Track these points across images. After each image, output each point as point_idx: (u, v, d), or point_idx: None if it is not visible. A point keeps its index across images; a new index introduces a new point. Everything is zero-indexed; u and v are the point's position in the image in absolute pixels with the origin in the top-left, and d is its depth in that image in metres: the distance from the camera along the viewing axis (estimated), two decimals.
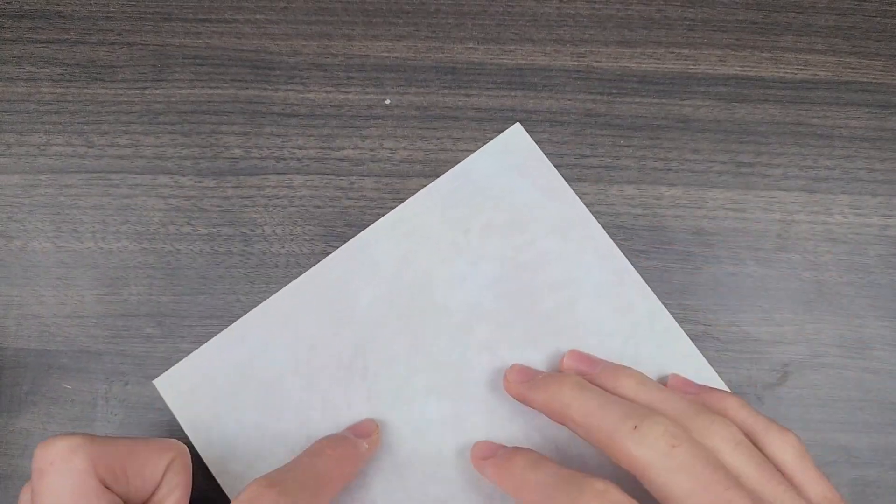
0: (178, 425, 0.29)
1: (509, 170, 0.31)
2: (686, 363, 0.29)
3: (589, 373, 0.28)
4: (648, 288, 0.30)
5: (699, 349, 0.30)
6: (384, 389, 0.29)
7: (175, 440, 0.26)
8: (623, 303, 0.30)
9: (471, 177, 0.31)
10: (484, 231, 0.31)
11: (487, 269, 0.30)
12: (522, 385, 0.28)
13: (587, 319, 0.30)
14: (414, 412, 0.29)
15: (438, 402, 0.29)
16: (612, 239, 0.31)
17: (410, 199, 0.31)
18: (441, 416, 0.29)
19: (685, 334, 0.30)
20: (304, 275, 0.30)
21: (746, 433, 0.25)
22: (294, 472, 0.24)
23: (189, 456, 0.27)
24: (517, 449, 0.27)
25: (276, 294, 0.30)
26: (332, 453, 0.26)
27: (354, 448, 0.27)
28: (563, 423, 0.26)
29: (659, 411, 0.24)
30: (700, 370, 0.29)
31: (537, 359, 0.29)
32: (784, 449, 0.25)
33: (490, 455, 0.27)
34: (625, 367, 0.27)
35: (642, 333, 0.30)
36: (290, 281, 0.30)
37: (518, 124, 0.31)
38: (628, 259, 0.30)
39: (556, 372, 0.28)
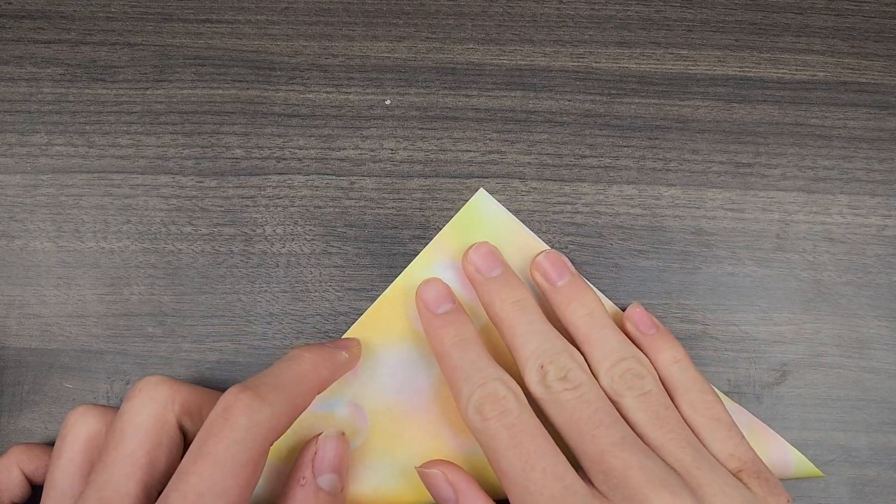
0: None
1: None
2: None
3: (551, 284, 0.28)
4: None
5: (698, 349, 0.30)
6: None
7: None
8: None
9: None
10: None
11: None
12: (477, 276, 0.28)
13: None
14: None
15: None
16: (612, 239, 0.31)
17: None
18: None
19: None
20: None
21: (670, 389, 0.26)
22: (269, 376, 0.24)
23: None
24: (455, 317, 0.27)
25: None
26: (309, 356, 0.25)
27: (332, 355, 0.26)
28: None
29: (585, 349, 0.26)
30: None
31: None
32: (697, 409, 0.26)
33: (432, 307, 0.28)
34: (586, 290, 0.28)
35: None
36: (291, 281, 0.30)
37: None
38: (628, 259, 0.31)
39: (512, 274, 0.28)
